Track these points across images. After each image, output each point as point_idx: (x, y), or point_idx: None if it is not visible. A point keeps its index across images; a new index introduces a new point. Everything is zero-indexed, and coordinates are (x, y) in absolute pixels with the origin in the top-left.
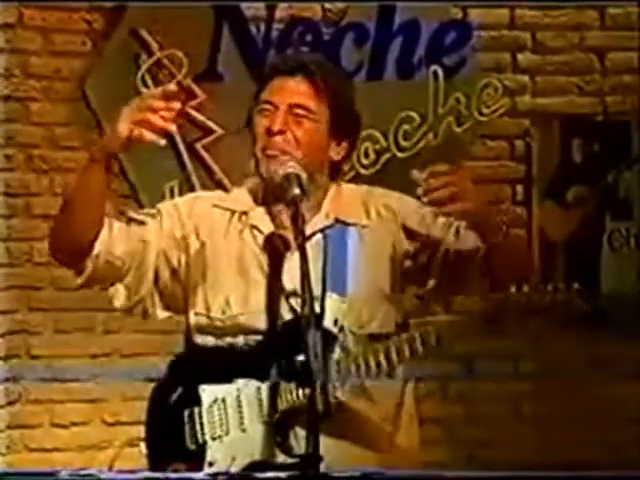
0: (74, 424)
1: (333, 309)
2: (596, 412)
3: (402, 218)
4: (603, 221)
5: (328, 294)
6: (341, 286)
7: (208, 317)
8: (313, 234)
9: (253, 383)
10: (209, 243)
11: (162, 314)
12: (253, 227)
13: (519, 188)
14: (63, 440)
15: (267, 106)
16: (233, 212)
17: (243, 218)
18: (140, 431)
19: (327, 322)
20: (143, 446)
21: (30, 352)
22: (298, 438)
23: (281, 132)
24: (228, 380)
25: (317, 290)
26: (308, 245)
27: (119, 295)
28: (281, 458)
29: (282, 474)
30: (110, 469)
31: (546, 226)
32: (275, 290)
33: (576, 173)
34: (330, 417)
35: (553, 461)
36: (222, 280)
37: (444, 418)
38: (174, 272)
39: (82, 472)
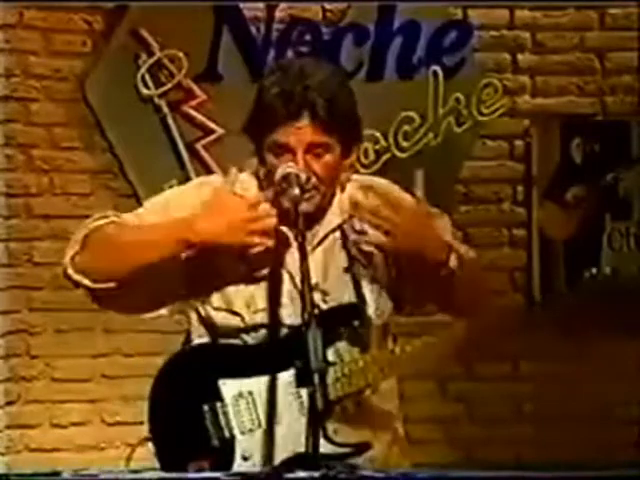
0: (74, 424)
1: (371, 301)
2: (595, 412)
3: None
4: (603, 221)
5: (368, 287)
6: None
7: (231, 312)
8: (330, 233)
9: (286, 375)
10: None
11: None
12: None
13: (519, 188)
14: (63, 440)
15: (282, 150)
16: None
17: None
18: (141, 430)
19: (372, 314)
20: (150, 445)
21: (30, 352)
22: (338, 430)
23: (307, 179)
24: (246, 374)
25: (345, 286)
26: (327, 244)
27: None
28: (326, 448)
29: (303, 474)
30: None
31: (546, 226)
32: (291, 287)
33: (576, 173)
34: (330, 416)
35: (553, 461)
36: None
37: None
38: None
39: (83, 472)
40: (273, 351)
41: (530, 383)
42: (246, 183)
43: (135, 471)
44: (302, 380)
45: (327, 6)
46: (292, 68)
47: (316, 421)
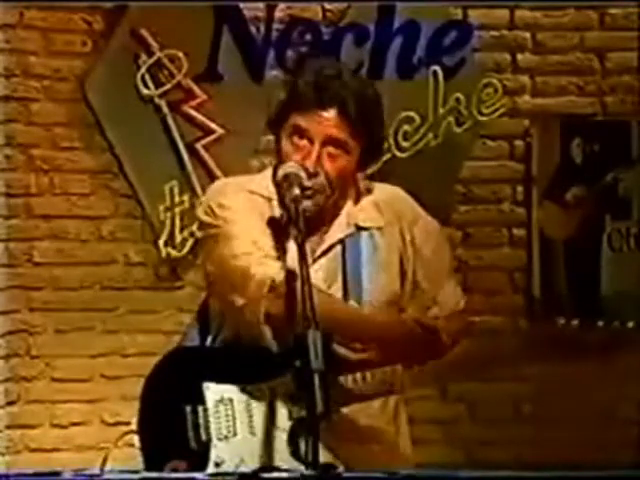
0: (74, 424)
1: None
2: (596, 412)
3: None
4: (603, 221)
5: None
6: (358, 293)
7: None
8: (336, 244)
9: (265, 386)
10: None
11: None
12: None
13: (519, 188)
14: (63, 440)
15: (300, 136)
16: (262, 196)
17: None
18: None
19: None
20: (135, 439)
21: (30, 352)
22: (309, 446)
23: (316, 174)
24: (234, 380)
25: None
26: (330, 255)
27: None
28: (294, 464)
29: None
30: (102, 469)
31: (546, 226)
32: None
33: (576, 173)
34: (330, 418)
35: (553, 461)
36: None
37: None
38: None
39: (83, 472)
40: (261, 359)
41: (530, 384)
42: (260, 181)
43: (135, 471)
44: (302, 381)
45: (327, 6)
46: (331, 68)
47: (316, 424)
